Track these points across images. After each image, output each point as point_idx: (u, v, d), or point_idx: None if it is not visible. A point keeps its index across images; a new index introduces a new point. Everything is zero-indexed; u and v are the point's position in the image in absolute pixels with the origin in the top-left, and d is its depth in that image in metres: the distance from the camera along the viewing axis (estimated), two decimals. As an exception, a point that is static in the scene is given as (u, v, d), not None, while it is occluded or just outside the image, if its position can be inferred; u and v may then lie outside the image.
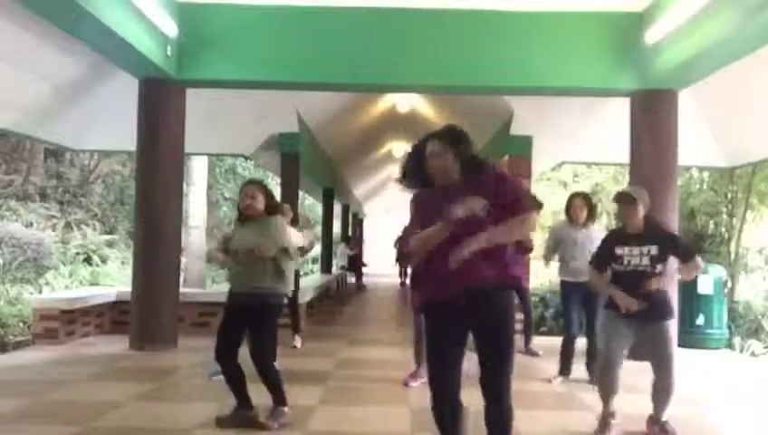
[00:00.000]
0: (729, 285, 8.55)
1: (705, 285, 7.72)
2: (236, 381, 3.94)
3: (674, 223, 6.81)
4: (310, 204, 25.01)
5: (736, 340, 8.31)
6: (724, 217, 11.07)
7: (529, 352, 6.74)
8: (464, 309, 2.68)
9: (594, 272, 4.04)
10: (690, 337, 7.48)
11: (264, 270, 3.93)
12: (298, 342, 6.90)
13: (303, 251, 6.25)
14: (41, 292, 9.46)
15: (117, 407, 4.37)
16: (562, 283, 5.62)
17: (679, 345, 6.82)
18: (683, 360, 6.65)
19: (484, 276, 2.66)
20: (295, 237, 5.64)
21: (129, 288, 6.97)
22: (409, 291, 2.93)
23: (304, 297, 8.70)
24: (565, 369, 5.54)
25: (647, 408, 4.18)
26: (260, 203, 4.00)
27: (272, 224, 4.00)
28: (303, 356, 6.53)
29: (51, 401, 4.59)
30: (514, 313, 2.85)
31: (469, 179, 2.74)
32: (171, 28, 6.30)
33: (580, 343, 5.59)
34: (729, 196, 10.99)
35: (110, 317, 7.73)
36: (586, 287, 5.23)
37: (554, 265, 5.83)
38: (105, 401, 4.55)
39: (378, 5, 6.63)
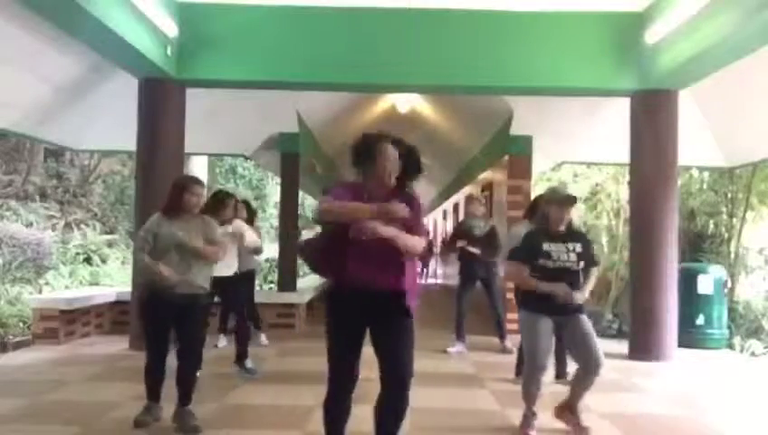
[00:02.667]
0: (729, 285, 8.54)
1: (705, 285, 7.73)
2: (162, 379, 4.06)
3: (674, 223, 6.82)
4: (310, 204, 25.03)
5: (736, 340, 8.30)
6: (724, 217, 11.06)
7: (504, 349, 6.77)
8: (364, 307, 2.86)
9: (515, 265, 4.01)
10: (690, 337, 7.48)
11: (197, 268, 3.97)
12: (263, 338, 6.98)
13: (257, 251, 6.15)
14: (41, 292, 9.45)
15: (117, 407, 4.38)
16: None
17: (679, 345, 6.84)
18: (683, 360, 6.67)
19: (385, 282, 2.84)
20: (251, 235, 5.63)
21: (129, 288, 6.97)
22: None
23: (304, 297, 8.72)
24: (522, 368, 5.49)
25: (647, 408, 4.20)
26: (200, 204, 4.10)
27: (208, 223, 4.09)
28: (303, 356, 6.53)
29: (51, 401, 4.59)
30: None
31: (395, 193, 2.90)
32: (171, 28, 6.30)
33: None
34: (729, 196, 10.98)
35: (110, 317, 7.73)
36: None
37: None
38: (105, 401, 4.55)
39: (378, 5, 6.63)
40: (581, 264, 3.86)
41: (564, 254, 3.85)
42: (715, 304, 7.73)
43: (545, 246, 3.86)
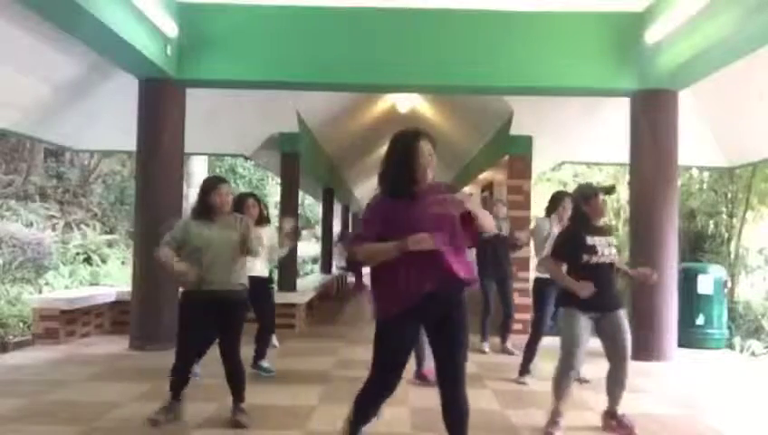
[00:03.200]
0: (729, 285, 8.55)
1: (705, 285, 7.73)
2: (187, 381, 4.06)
3: (674, 223, 6.82)
4: (310, 204, 25.03)
5: (736, 340, 8.30)
6: (724, 217, 11.07)
7: (504, 350, 6.77)
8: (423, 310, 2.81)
9: (557, 265, 4.01)
10: (690, 337, 7.48)
11: (236, 266, 3.98)
12: (274, 339, 6.94)
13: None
14: (41, 292, 9.45)
15: (117, 407, 4.37)
16: (538, 280, 5.48)
17: (679, 345, 6.84)
18: (683, 360, 6.67)
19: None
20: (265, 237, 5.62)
21: (129, 288, 6.97)
22: (372, 300, 3.01)
23: (304, 298, 8.72)
24: (527, 367, 5.51)
25: (647, 408, 4.20)
26: (230, 202, 4.08)
27: (243, 222, 4.08)
28: (303, 356, 6.53)
29: (51, 401, 4.59)
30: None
31: (435, 188, 2.87)
32: (171, 28, 6.30)
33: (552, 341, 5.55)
34: (729, 196, 10.99)
35: (110, 317, 7.73)
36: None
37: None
38: (105, 401, 4.55)
39: (378, 5, 6.63)
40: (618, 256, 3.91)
41: (606, 248, 3.86)
42: (714, 304, 7.73)
43: (589, 241, 3.84)
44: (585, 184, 4.19)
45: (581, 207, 3.99)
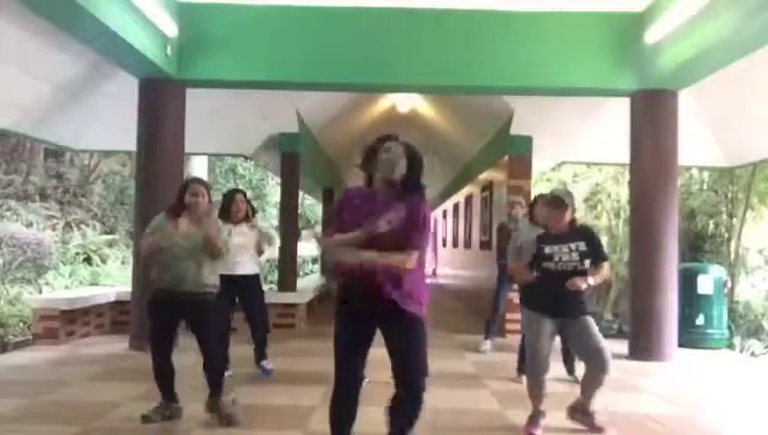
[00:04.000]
0: (729, 285, 8.55)
1: (705, 285, 7.72)
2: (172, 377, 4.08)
3: (674, 223, 6.82)
4: (310, 204, 25.02)
5: (736, 340, 8.31)
6: (724, 217, 11.07)
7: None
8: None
9: (526, 270, 4.08)
10: (690, 337, 7.48)
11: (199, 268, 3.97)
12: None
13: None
14: (41, 292, 9.46)
15: (117, 407, 4.37)
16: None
17: (679, 345, 6.84)
18: (683, 360, 6.67)
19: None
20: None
21: (129, 288, 6.97)
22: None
23: (304, 298, 8.72)
24: (524, 365, 5.50)
25: (647, 408, 4.20)
26: (205, 204, 4.05)
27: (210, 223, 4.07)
28: (303, 356, 6.53)
29: (51, 401, 4.59)
30: None
31: (400, 193, 2.89)
32: (171, 28, 6.30)
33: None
34: (729, 196, 10.99)
35: (110, 317, 7.73)
36: None
37: None
38: (105, 401, 4.55)
39: (378, 5, 6.63)
40: (587, 262, 3.83)
41: (566, 254, 3.84)
42: (715, 304, 7.73)
43: (547, 250, 3.87)
44: (555, 192, 4.14)
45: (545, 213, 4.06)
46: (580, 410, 4.03)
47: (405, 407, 2.95)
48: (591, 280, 3.81)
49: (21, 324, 7.52)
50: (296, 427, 4.05)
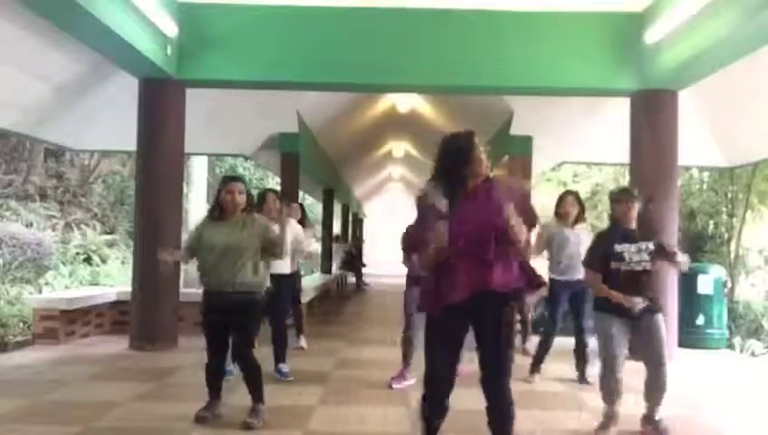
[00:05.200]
0: (729, 285, 8.55)
1: (705, 285, 7.72)
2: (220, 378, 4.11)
3: (674, 223, 6.82)
4: (310, 204, 25.02)
5: (736, 340, 8.31)
6: (724, 217, 11.08)
7: (525, 351, 6.76)
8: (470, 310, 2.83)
9: (590, 273, 4.02)
10: (690, 337, 7.48)
11: (246, 266, 3.94)
12: (303, 342, 6.88)
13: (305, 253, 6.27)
14: (41, 292, 9.46)
15: (117, 407, 4.37)
16: (551, 281, 5.47)
17: (679, 345, 6.83)
18: (683, 360, 6.67)
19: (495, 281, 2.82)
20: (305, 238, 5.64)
21: (129, 288, 6.97)
22: (421, 293, 3.06)
23: (304, 298, 8.72)
24: (539, 367, 5.51)
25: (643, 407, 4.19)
26: (243, 201, 4.01)
27: (257, 222, 4.03)
28: (303, 356, 6.53)
29: (51, 401, 4.59)
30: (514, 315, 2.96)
31: (485, 185, 2.91)
32: (171, 28, 6.30)
33: (557, 341, 5.57)
34: (729, 196, 11.00)
35: (110, 317, 7.72)
36: (574, 286, 5.24)
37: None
38: (105, 401, 4.55)
39: (378, 5, 6.63)
40: (656, 263, 3.80)
41: (636, 254, 3.78)
42: (715, 304, 7.73)
43: (617, 247, 3.80)
44: (619, 188, 4.09)
45: (612, 212, 3.96)
46: (648, 420, 4.00)
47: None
48: (684, 258, 3.84)
49: (21, 324, 7.52)
50: (296, 427, 4.05)
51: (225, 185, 4.00)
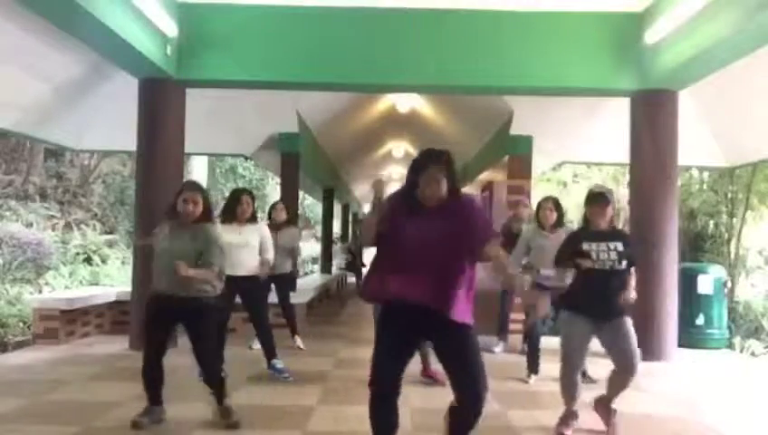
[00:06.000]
0: (729, 285, 8.55)
1: (705, 285, 7.72)
2: (160, 382, 4.01)
3: (674, 223, 6.82)
4: (310, 204, 25.02)
5: (736, 340, 8.31)
6: (724, 217, 11.08)
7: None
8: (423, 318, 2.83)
9: (558, 269, 4.12)
10: (690, 337, 7.48)
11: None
12: (300, 342, 6.89)
13: (295, 252, 6.32)
14: (41, 292, 9.46)
15: (117, 407, 4.37)
16: (536, 285, 5.52)
17: (679, 345, 6.84)
18: (683, 360, 6.67)
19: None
20: (290, 238, 5.59)
21: (129, 288, 6.97)
22: (367, 279, 3.05)
23: (304, 297, 8.72)
24: (535, 367, 5.53)
25: (647, 408, 4.20)
26: (200, 209, 3.91)
27: (205, 236, 3.90)
28: (303, 356, 6.53)
29: (51, 401, 4.59)
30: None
31: (446, 204, 2.91)
32: (171, 28, 6.30)
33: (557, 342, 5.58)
34: (729, 196, 10.99)
35: (110, 317, 7.73)
36: (556, 292, 5.25)
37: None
38: (105, 401, 4.55)
39: (378, 6, 6.63)
40: (624, 263, 3.83)
41: (605, 253, 3.82)
42: (714, 304, 7.73)
43: (585, 246, 3.85)
44: (593, 187, 4.14)
45: (586, 212, 4.01)
46: (603, 404, 4.05)
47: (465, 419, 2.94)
48: (633, 294, 3.88)
49: (21, 324, 7.52)
50: (296, 427, 4.05)
51: (181, 191, 3.95)
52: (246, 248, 5.18)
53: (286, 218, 6.72)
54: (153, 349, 3.94)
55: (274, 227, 6.33)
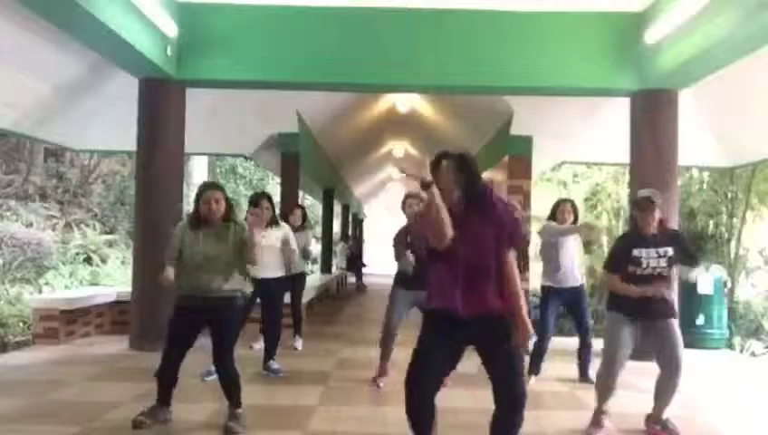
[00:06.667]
0: (729, 285, 8.55)
1: (705, 285, 7.73)
2: (174, 382, 3.99)
3: (674, 223, 6.82)
4: (310, 204, 25.01)
5: (736, 340, 8.31)
6: (724, 217, 11.08)
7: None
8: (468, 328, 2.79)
9: (610, 277, 4.00)
10: (690, 337, 7.45)
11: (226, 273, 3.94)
12: (299, 343, 6.89)
13: (308, 254, 6.50)
14: (41, 292, 9.46)
15: (117, 407, 4.37)
16: (543, 287, 5.53)
17: (679, 345, 6.83)
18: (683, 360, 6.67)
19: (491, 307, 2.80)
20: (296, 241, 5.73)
21: (129, 288, 6.97)
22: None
23: (304, 297, 8.72)
24: (536, 368, 5.52)
25: (647, 408, 4.19)
26: (222, 209, 3.95)
27: (233, 231, 3.95)
28: (303, 356, 6.53)
29: (51, 401, 4.59)
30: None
31: (471, 207, 2.84)
32: (171, 28, 6.30)
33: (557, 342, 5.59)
34: (729, 196, 11.00)
35: (110, 317, 7.73)
36: (570, 292, 5.26)
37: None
38: (105, 401, 4.55)
39: (378, 5, 6.63)
40: (674, 268, 3.80)
41: (655, 260, 3.78)
42: (715, 304, 7.73)
43: (635, 252, 3.80)
44: (642, 193, 4.09)
45: (634, 217, 3.96)
46: (652, 420, 4.03)
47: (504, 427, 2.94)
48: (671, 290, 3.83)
49: (21, 324, 7.53)
50: (296, 427, 4.05)
51: (201, 194, 3.96)
52: (271, 251, 5.38)
53: (302, 223, 6.95)
54: (177, 349, 3.95)
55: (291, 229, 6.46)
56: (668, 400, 3.94)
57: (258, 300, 5.52)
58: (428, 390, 2.87)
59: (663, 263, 3.79)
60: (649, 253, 3.79)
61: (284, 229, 5.68)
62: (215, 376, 4.13)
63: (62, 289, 9.85)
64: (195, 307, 3.93)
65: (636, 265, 3.80)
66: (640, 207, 3.86)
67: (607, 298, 4.19)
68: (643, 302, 3.80)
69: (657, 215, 3.82)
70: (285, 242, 5.57)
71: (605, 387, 3.97)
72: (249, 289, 4.28)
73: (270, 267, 5.39)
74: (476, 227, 2.80)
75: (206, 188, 4.03)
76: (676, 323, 3.89)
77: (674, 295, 3.91)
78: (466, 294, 2.78)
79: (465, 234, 2.76)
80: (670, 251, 3.80)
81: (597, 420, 4.03)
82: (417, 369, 2.86)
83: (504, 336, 2.79)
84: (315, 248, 21.01)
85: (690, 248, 3.95)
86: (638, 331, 3.90)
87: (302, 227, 6.91)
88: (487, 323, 2.78)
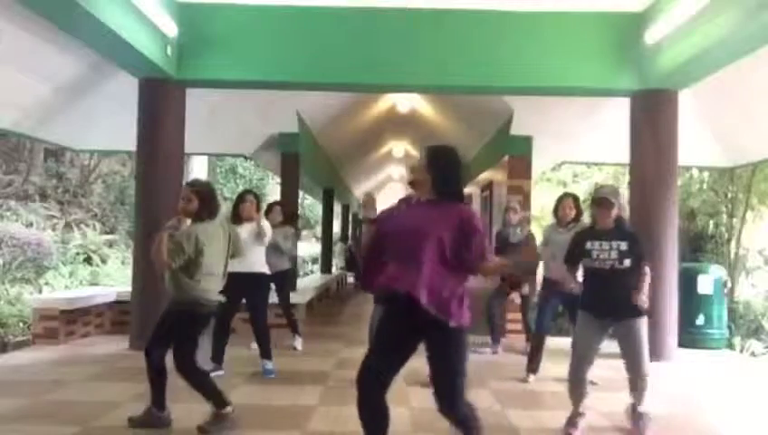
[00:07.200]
0: (729, 285, 8.54)
1: (705, 285, 7.73)
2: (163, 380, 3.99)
3: (674, 223, 6.82)
4: (310, 204, 25.02)
5: (736, 340, 8.31)
6: (724, 217, 11.07)
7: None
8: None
9: (566, 267, 4.19)
10: (690, 337, 7.48)
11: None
12: (299, 343, 6.89)
13: (280, 249, 6.36)
14: (41, 292, 9.46)
15: (117, 407, 4.37)
16: (545, 280, 5.56)
17: (679, 345, 6.84)
18: (683, 360, 6.67)
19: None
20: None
21: (129, 288, 6.97)
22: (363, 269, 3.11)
23: (304, 297, 8.72)
24: (534, 366, 5.54)
25: (648, 407, 4.19)
26: (193, 205, 3.96)
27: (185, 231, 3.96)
28: (303, 356, 6.54)
29: (51, 401, 4.59)
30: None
31: (435, 202, 2.89)
32: (171, 28, 6.30)
33: (558, 342, 5.60)
34: (729, 196, 10.99)
35: (110, 317, 7.73)
36: (570, 293, 5.26)
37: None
38: (105, 401, 4.55)
39: (377, 5, 6.63)
40: (626, 262, 3.83)
41: (605, 252, 3.85)
42: (715, 304, 7.73)
43: (587, 245, 3.91)
44: (598, 188, 4.19)
45: (592, 212, 4.08)
46: (631, 411, 4.08)
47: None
48: (644, 297, 3.85)
49: (21, 324, 7.51)
50: (296, 427, 4.05)
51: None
52: (252, 246, 5.26)
53: (282, 220, 6.71)
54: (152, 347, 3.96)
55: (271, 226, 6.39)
56: (639, 397, 3.99)
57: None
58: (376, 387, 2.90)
59: (614, 255, 3.83)
60: (602, 245, 3.87)
61: (254, 225, 5.43)
62: (220, 372, 4.14)
63: (62, 289, 9.84)
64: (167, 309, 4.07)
65: (588, 256, 3.90)
66: (597, 203, 3.97)
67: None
68: (607, 301, 3.86)
69: (615, 212, 3.92)
70: (257, 236, 5.37)
71: (573, 386, 4.02)
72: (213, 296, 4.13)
73: (246, 262, 5.06)
74: (421, 220, 2.85)
75: (186, 186, 4.13)
76: (643, 321, 3.91)
77: (644, 293, 3.87)
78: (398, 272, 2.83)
79: (406, 222, 2.91)
80: (623, 245, 3.85)
81: (571, 422, 4.05)
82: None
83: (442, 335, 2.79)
84: (314, 248, 20.97)
85: (641, 251, 3.96)
86: (605, 329, 3.97)
87: (281, 224, 6.66)
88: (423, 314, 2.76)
